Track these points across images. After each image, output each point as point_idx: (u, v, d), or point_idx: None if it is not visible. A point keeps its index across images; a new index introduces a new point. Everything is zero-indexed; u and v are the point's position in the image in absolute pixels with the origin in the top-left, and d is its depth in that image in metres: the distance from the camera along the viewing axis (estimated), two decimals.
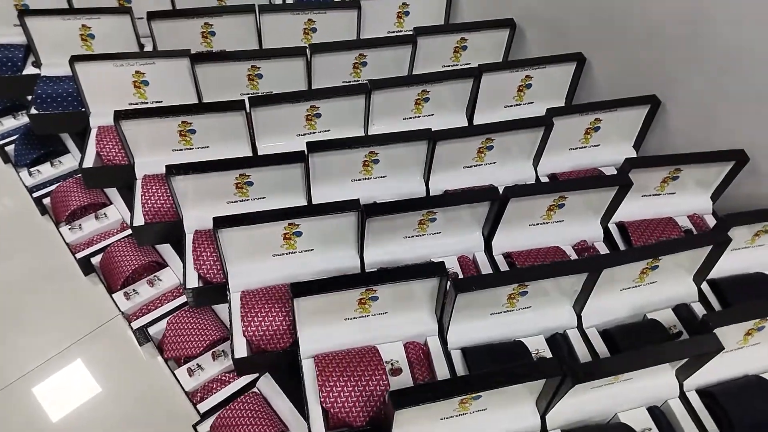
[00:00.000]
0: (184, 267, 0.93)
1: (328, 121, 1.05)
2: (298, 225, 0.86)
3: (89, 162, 1.05)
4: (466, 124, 1.14)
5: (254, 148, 1.03)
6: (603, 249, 0.99)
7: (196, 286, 0.91)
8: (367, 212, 0.86)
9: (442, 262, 0.83)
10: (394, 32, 1.32)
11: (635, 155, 1.12)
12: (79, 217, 1.18)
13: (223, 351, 1.00)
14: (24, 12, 1.06)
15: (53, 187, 1.21)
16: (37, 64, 1.17)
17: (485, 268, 0.94)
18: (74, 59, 0.99)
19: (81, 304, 1.11)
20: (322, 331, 0.83)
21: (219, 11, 1.14)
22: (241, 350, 0.84)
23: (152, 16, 1.11)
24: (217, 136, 1.00)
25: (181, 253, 0.96)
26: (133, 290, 1.08)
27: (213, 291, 0.92)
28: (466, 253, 0.96)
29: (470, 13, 1.34)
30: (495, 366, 0.79)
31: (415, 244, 0.94)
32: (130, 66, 1.03)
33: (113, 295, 1.07)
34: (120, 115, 0.93)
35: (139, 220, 0.98)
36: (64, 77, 1.15)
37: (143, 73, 1.04)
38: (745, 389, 0.80)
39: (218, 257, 0.90)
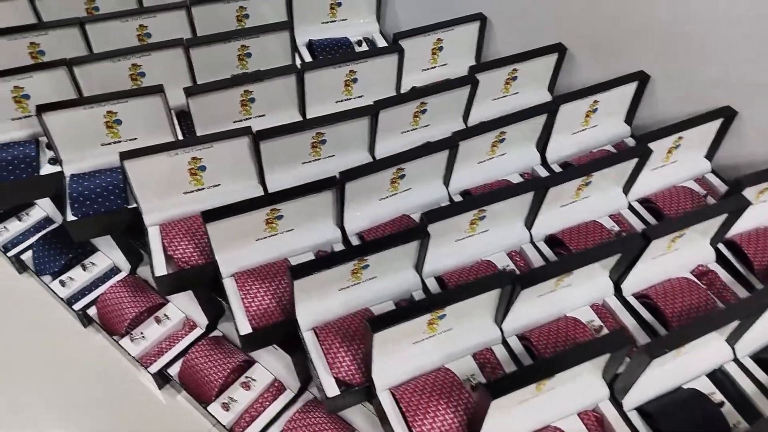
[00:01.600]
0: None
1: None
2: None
3: (161, 269, 0.96)
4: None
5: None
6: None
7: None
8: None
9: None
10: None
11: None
12: (138, 323, 1.12)
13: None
14: (43, 108, 1.00)
15: (94, 294, 1.16)
16: (57, 161, 1.09)
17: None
18: (125, 157, 0.94)
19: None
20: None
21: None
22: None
23: (190, 92, 1.07)
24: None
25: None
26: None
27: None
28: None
29: None
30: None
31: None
32: (185, 153, 0.98)
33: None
34: (208, 218, 0.89)
35: (245, 327, 0.90)
36: (95, 172, 1.07)
37: (200, 159, 1.00)
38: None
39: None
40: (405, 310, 0.83)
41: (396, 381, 0.84)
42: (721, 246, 1.00)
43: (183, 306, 1.15)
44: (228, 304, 0.95)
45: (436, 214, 0.90)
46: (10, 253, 1.23)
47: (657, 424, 0.80)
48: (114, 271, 1.21)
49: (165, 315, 1.13)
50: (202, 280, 1.00)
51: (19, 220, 1.30)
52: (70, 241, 1.23)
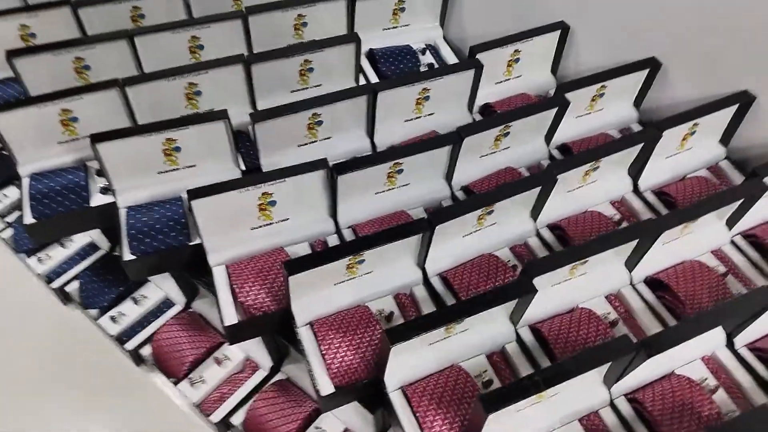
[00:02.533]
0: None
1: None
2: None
3: (231, 317, 0.88)
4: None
5: None
6: None
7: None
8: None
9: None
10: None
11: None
12: (197, 365, 1.04)
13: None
14: (98, 138, 0.92)
15: (147, 331, 1.08)
16: (109, 190, 1.01)
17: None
18: (193, 196, 0.86)
19: None
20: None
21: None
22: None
23: (256, 118, 0.98)
24: None
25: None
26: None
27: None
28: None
29: None
30: None
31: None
32: (257, 189, 0.90)
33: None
34: (290, 270, 0.79)
35: (327, 386, 0.82)
36: (152, 204, 0.99)
37: (271, 194, 0.92)
38: None
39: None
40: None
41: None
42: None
43: (243, 345, 1.07)
44: (303, 355, 0.88)
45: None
46: (54, 284, 1.15)
47: None
48: (167, 304, 1.13)
49: (225, 355, 1.06)
50: (274, 327, 0.92)
51: (62, 246, 1.21)
52: (119, 272, 1.14)
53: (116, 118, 1.06)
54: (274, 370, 1.05)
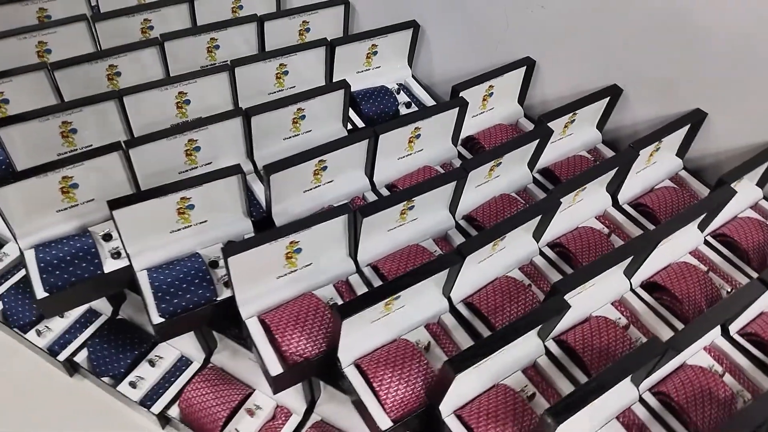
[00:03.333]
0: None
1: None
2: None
3: (276, 367, 0.89)
4: None
5: None
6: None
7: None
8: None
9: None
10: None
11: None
12: (230, 420, 1.04)
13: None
14: (115, 204, 0.91)
15: (170, 392, 1.07)
16: (119, 254, 1.00)
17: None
18: (228, 254, 0.87)
19: None
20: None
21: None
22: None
23: (270, 170, 1.01)
24: None
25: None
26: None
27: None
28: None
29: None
30: None
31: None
32: (286, 239, 0.92)
33: None
34: (343, 314, 0.82)
35: (385, 421, 0.85)
36: (170, 264, 0.99)
37: (297, 242, 0.95)
38: None
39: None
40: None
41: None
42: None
43: (271, 393, 1.07)
44: (349, 393, 0.91)
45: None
46: (61, 357, 1.10)
47: None
48: (184, 362, 1.11)
49: (256, 405, 1.06)
50: (317, 371, 0.94)
51: (60, 316, 1.16)
52: (130, 336, 1.13)
53: (116, 181, 1.05)
54: (307, 413, 1.06)
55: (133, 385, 1.07)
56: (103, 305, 1.17)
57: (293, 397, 1.06)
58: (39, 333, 1.13)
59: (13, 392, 1.10)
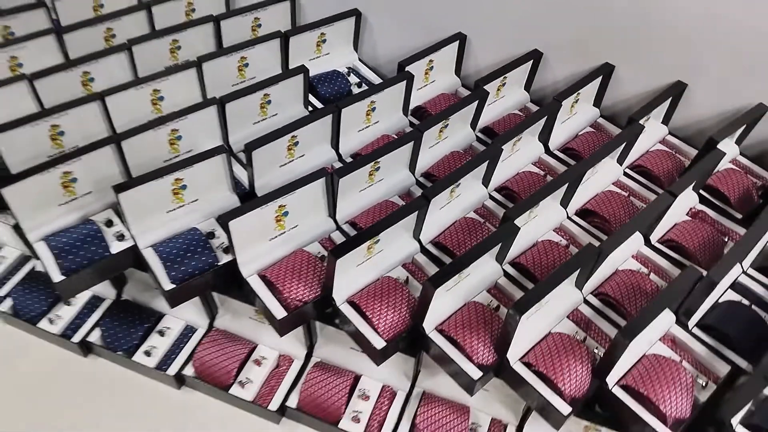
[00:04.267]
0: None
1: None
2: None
3: (281, 311, 1.04)
4: None
5: None
6: None
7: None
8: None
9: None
10: None
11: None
12: (240, 371, 1.18)
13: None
14: (119, 188, 1.03)
15: (182, 355, 1.20)
16: (123, 236, 1.11)
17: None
18: (228, 218, 1.02)
19: None
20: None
21: None
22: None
23: (251, 147, 1.16)
24: None
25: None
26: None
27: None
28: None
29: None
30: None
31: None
32: (275, 203, 1.06)
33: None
34: (336, 254, 0.98)
35: (380, 342, 1.01)
36: (171, 238, 1.11)
37: (285, 206, 1.09)
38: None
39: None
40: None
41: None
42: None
43: (273, 344, 1.22)
44: (345, 328, 1.07)
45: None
46: (75, 339, 1.20)
47: (721, 332, 1.04)
48: (190, 329, 1.24)
49: (261, 356, 1.20)
50: (315, 313, 1.09)
51: (68, 304, 1.26)
52: (137, 313, 1.24)
53: (110, 173, 1.16)
54: (307, 357, 1.21)
55: (147, 353, 1.19)
56: (106, 290, 1.27)
57: (293, 345, 1.21)
58: (51, 321, 1.23)
59: (34, 379, 1.19)
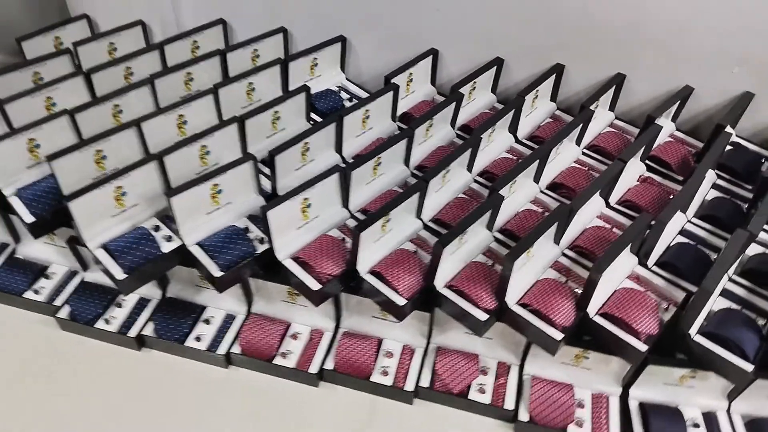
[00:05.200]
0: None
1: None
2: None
3: (316, 284, 1.24)
4: None
5: None
6: None
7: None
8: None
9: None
10: None
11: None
12: (280, 345, 1.36)
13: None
14: (172, 192, 1.23)
15: (228, 338, 1.36)
16: (171, 237, 1.30)
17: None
18: (268, 208, 1.22)
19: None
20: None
21: None
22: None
23: (275, 152, 1.42)
24: None
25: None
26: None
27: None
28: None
29: None
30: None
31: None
32: (300, 196, 1.27)
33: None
34: (360, 229, 1.26)
35: (401, 300, 1.22)
36: (214, 234, 1.30)
37: (308, 198, 1.30)
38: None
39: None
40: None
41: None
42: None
43: (304, 321, 1.41)
44: (370, 295, 1.27)
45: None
46: (131, 333, 1.38)
47: (675, 267, 1.29)
48: (230, 317, 1.42)
49: (296, 332, 1.39)
50: (342, 285, 1.30)
51: (119, 306, 1.43)
52: (182, 307, 1.42)
53: (153, 186, 1.35)
54: (336, 328, 1.41)
55: (197, 339, 1.37)
56: (151, 291, 1.45)
57: (322, 319, 1.40)
58: (107, 322, 1.40)
59: (94, 374, 1.36)
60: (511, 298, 1.21)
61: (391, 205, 1.26)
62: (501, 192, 1.30)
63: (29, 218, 1.35)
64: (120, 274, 1.25)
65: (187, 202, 1.27)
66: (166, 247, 1.30)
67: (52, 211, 1.36)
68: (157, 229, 1.34)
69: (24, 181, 1.41)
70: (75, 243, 1.41)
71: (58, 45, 1.78)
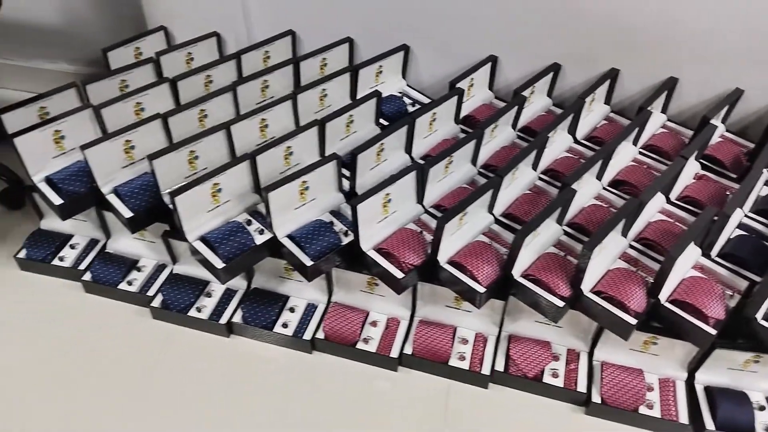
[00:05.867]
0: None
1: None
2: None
3: (399, 274, 1.33)
4: None
5: None
6: None
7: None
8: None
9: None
10: None
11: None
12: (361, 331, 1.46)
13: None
14: (268, 188, 1.33)
15: (312, 324, 1.46)
16: (264, 231, 1.41)
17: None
18: (358, 202, 1.30)
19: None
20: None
21: None
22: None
23: (358, 150, 1.54)
24: None
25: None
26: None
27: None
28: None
29: None
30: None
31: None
32: (384, 192, 1.37)
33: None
34: (443, 221, 1.35)
35: (481, 288, 1.31)
36: (302, 226, 1.41)
37: (389, 194, 1.44)
38: None
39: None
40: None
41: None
42: None
43: (382, 310, 1.50)
44: (448, 284, 1.36)
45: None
46: (222, 320, 1.48)
47: (737, 257, 1.36)
48: (311, 306, 1.52)
49: (375, 320, 1.48)
50: (421, 275, 1.39)
51: (209, 296, 1.54)
52: (268, 297, 1.52)
53: (244, 183, 1.46)
54: (411, 317, 1.49)
55: (284, 325, 1.47)
56: (237, 282, 1.55)
57: (398, 308, 1.49)
58: (199, 310, 1.50)
59: (187, 359, 1.46)
60: (586, 286, 1.29)
61: (469, 199, 1.35)
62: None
63: (127, 213, 1.46)
64: (219, 263, 1.35)
65: (280, 198, 1.37)
66: (259, 239, 1.40)
67: (148, 207, 1.47)
68: (249, 223, 1.44)
69: (119, 180, 1.52)
70: (168, 237, 1.52)
71: (138, 55, 1.89)
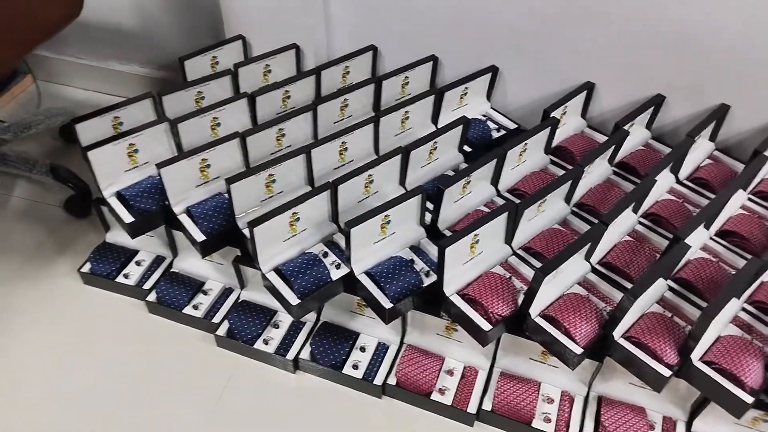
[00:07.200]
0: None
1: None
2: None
3: (486, 325, 1.23)
4: None
5: None
6: None
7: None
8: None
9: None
10: None
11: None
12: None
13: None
14: (350, 224, 1.25)
15: (384, 368, 1.38)
16: (339, 265, 1.33)
17: None
18: (446, 244, 1.21)
19: None
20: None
21: None
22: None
23: (445, 184, 1.44)
24: None
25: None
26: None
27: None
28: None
29: None
30: None
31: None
32: (473, 233, 1.27)
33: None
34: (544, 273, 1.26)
35: (578, 349, 1.19)
36: (380, 263, 1.32)
37: (478, 235, 1.29)
38: None
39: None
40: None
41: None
42: None
43: (459, 357, 1.40)
44: (538, 339, 1.25)
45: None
46: (289, 356, 1.40)
47: None
48: (383, 345, 1.43)
49: (451, 367, 1.38)
50: (507, 327, 1.27)
51: (276, 327, 1.46)
52: (338, 333, 1.44)
53: (322, 211, 1.38)
54: (491, 367, 1.38)
55: (354, 366, 1.38)
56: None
57: (477, 357, 1.39)
58: (266, 342, 1.43)
59: (250, 393, 1.40)
60: (695, 354, 1.16)
61: (571, 249, 1.22)
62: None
63: (200, 237, 1.40)
64: (294, 299, 1.27)
65: (361, 233, 1.28)
66: (335, 274, 1.32)
67: (221, 231, 1.40)
68: (325, 255, 1.35)
69: (192, 199, 1.46)
70: (239, 263, 1.45)
71: (214, 64, 1.84)
